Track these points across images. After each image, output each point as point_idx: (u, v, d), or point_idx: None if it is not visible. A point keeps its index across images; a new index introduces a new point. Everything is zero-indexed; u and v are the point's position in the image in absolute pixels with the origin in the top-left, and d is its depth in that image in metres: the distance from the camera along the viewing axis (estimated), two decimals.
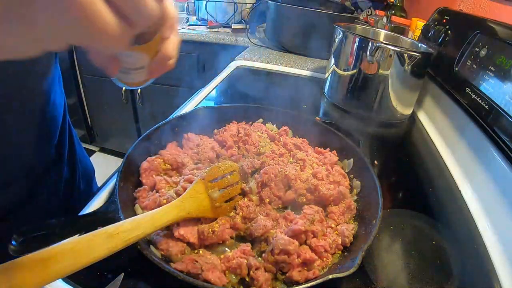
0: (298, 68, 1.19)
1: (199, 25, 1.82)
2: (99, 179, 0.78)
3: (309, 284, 0.34)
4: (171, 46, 0.32)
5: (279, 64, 1.21)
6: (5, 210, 0.48)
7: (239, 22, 1.74)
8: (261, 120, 0.67)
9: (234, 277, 0.37)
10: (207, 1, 1.73)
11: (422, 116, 0.93)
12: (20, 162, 0.49)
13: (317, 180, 0.50)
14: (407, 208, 0.56)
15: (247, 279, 0.37)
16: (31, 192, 0.52)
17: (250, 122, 0.66)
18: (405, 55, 0.77)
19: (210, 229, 0.40)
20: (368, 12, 1.66)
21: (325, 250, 0.40)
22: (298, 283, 0.36)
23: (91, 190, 0.71)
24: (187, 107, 0.81)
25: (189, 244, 0.40)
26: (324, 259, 0.40)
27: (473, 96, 0.66)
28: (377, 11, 1.51)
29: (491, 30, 0.68)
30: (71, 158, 0.63)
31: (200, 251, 0.40)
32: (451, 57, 0.78)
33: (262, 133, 0.62)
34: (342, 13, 1.33)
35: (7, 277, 0.24)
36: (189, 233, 0.40)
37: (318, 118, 0.66)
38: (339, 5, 1.47)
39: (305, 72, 1.17)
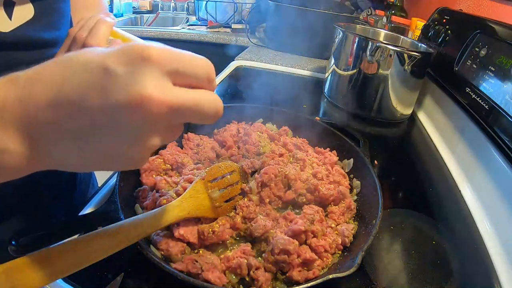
0: (298, 68, 1.19)
1: (199, 25, 1.82)
2: (99, 179, 0.79)
3: (309, 284, 0.34)
4: None
5: (279, 64, 1.21)
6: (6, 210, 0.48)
7: (239, 22, 1.74)
8: (261, 120, 0.66)
9: (234, 277, 0.37)
10: (207, 1, 1.73)
11: (422, 116, 0.93)
12: None
13: (317, 180, 0.50)
14: (407, 208, 0.56)
15: (247, 279, 0.37)
16: (33, 191, 0.52)
17: (250, 122, 0.66)
18: (405, 55, 0.77)
19: (210, 229, 0.40)
20: (368, 12, 1.66)
21: (325, 250, 0.40)
22: (298, 283, 0.36)
23: (90, 189, 0.72)
24: None
25: (189, 244, 0.40)
26: (324, 259, 0.40)
27: (473, 96, 0.66)
28: (377, 11, 1.51)
29: (491, 30, 0.68)
30: None
31: (200, 251, 0.40)
32: (451, 57, 0.78)
33: (262, 133, 0.62)
34: (342, 13, 1.33)
35: (7, 277, 0.24)
36: (189, 233, 0.40)
37: (318, 118, 0.66)
38: (339, 5, 1.47)
39: (305, 72, 1.17)
